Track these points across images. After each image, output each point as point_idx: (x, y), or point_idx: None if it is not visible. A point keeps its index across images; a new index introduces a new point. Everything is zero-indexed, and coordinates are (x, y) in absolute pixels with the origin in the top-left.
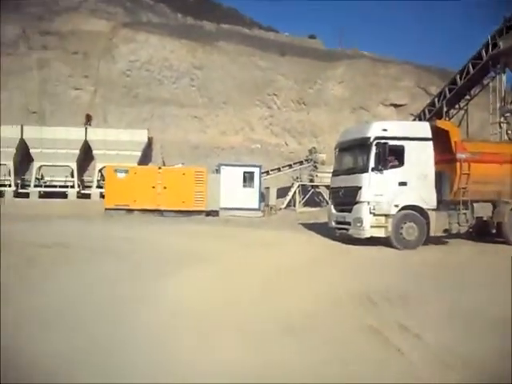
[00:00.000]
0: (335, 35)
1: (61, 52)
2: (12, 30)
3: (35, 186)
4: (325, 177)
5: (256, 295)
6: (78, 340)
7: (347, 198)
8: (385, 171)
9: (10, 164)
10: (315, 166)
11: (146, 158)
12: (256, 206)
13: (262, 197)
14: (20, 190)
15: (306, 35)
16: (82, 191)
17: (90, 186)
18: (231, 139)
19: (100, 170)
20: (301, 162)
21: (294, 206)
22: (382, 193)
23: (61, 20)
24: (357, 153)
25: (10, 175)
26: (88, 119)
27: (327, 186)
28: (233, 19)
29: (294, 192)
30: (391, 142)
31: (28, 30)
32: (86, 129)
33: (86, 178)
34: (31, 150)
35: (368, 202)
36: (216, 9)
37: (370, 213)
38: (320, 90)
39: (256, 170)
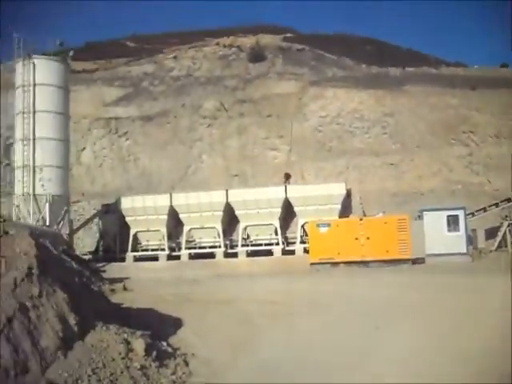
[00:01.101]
0: None
1: (256, 117)
2: (211, 104)
3: (242, 245)
4: None
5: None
6: None
7: None
8: None
9: (219, 226)
10: None
11: (345, 210)
12: (464, 251)
13: (470, 240)
14: (229, 251)
15: (498, 65)
16: (287, 248)
17: (293, 242)
18: (429, 183)
19: (302, 226)
20: (508, 200)
21: (506, 246)
22: None
23: (253, 87)
24: None
25: (219, 237)
26: (287, 177)
27: None
28: (417, 61)
29: (504, 232)
30: None
31: (225, 101)
32: (285, 187)
33: (289, 235)
34: (236, 212)
35: None
36: (398, 53)
37: None
38: None
39: (460, 213)
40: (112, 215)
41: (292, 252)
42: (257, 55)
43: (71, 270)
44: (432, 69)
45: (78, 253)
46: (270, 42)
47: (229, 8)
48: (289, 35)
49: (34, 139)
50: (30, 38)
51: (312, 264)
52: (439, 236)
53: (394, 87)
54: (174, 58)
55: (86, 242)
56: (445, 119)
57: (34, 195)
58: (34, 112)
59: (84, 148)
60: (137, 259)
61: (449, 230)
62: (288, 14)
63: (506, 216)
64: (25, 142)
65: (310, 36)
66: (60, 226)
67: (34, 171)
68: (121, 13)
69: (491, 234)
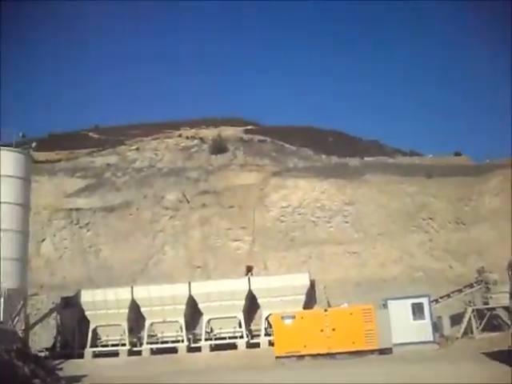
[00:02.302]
0: (483, 148)
1: (218, 208)
2: (174, 195)
3: (206, 339)
4: (501, 297)
5: None
6: None
7: None
8: None
9: (182, 320)
10: (487, 288)
11: (310, 301)
12: (430, 338)
13: (435, 327)
14: (192, 345)
15: (452, 153)
16: (251, 340)
17: (258, 335)
18: (392, 270)
19: (266, 318)
20: (471, 285)
21: (472, 333)
22: None
23: (215, 179)
24: None
25: (182, 331)
26: (249, 269)
27: (505, 308)
28: (375, 151)
29: (469, 318)
30: None
31: (187, 193)
32: (248, 279)
33: (253, 327)
34: (199, 305)
35: None
36: (358, 144)
37: None
38: (476, 206)
39: (425, 300)
40: (71, 309)
41: (257, 345)
42: (219, 147)
43: (23, 376)
44: (389, 158)
45: (33, 350)
46: (231, 134)
47: (191, 100)
48: (250, 127)
49: None
50: None
51: (277, 357)
52: (405, 325)
53: (354, 177)
54: (137, 149)
55: (42, 338)
56: (404, 207)
57: None
58: None
59: (44, 239)
60: (96, 355)
61: (414, 319)
62: (250, 107)
63: (470, 302)
64: None
65: (270, 128)
66: (15, 321)
67: None
68: (85, 105)
69: (456, 320)
